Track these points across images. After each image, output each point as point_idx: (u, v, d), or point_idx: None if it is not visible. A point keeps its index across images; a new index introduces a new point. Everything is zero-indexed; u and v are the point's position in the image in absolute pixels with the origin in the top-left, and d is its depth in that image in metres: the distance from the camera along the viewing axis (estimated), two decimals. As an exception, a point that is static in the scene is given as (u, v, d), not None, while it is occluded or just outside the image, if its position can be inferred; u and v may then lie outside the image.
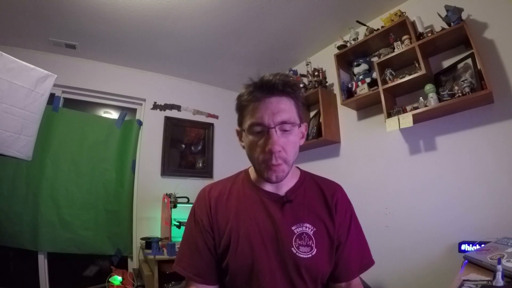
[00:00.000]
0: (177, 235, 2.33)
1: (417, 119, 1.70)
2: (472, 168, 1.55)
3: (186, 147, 3.11)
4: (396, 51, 1.80)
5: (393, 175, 1.92)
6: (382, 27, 1.94)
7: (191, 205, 0.80)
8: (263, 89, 0.67)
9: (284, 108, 0.66)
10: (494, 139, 1.48)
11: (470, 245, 1.35)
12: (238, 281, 0.67)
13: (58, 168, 2.33)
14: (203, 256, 0.70)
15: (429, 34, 1.66)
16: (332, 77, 2.40)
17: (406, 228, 1.78)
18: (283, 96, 0.67)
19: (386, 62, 1.88)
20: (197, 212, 0.75)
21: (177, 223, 2.42)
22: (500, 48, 1.49)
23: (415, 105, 1.76)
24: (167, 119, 3.02)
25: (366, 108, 2.15)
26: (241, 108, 0.72)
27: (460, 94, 1.50)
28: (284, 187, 0.75)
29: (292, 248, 0.66)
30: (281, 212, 0.71)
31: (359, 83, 2.05)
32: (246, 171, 0.81)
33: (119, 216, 2.51)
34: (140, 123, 2.84)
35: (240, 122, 0.74)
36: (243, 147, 0.73)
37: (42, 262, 2.23)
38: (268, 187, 0.74)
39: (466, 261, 1.00)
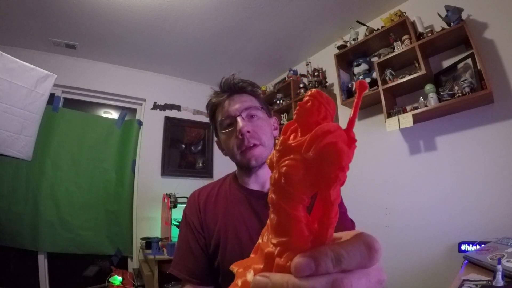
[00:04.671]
0: (177, 235, 2.33)
1: (417, 119, 1.70)
2: (472, 168, 1.55)
3: (186, 147, 3.11)
4: (396, 51, 1.80)
5: (393, 175, 1.92)
6: (382, 27, 1.94)
7: None
8: (225, 89, 0.76)
9: (245, 100, 0.74)
10: (494, 139, 1.48)
11: (470, 245, 1.35)
12: (231, 280, 0.67)
13: (58, 168, 2.33)
14: (197, 257, 0.72)
15: (429, 34, 1.66)
16: (332, 77, 2.40)
17: (406, 228, 1.78)
18: (243, 93, 0.76)
19: (386, 62, 1.88)
20: (188, 215, 0.77)
21: (177, 223, 2.42)
22: (500, 48, 1.50)
23: (415, 105, 1.76)
24: (167, 119, 3.02)
25: (366, 108, 2.15)
26: (212, 114, 0.79)
27: (460, 94, 1.50)
28: (268, 184, 0.75)
29: None
30: (266, 208, 0.71)
31: (359, 83, 2.04)
32: (233, 173, 0.83)
33: (119, 216, 2.51)
34: (140, 123, 2.84)
35: (216, 130, 0.79)
36: (225, 154, 0.78)
37: (42, 262, 2.23)
38: (253, 186, 0.76)
39: (466, 261, 1.00)
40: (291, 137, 0.20)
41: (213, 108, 0.78)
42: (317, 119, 0.19)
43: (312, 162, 0.17)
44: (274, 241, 0.19)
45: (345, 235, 0.19)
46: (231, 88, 0.75)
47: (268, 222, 0.21)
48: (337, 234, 0.20)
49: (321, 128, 0.17)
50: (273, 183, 0.19)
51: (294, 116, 0.20)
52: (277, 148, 0.19)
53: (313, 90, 0.20)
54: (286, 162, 0.18)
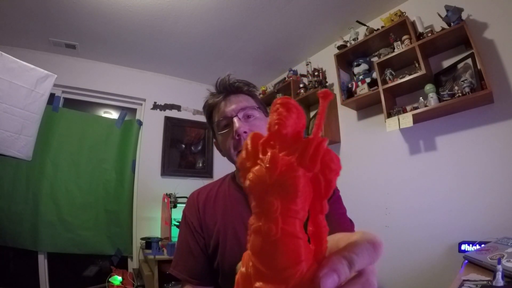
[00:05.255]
0: (177, 235, 2.33)
1: (417, 119, 1.70)
2: (472, 168, 1.55)
3: (186, 147, 3.10)
4: (396, 51, 1.80)
5: (393, 175, 1.92)
6: (382, 27, 1.94)
7: None
8: (221, 89, 0.75)
9: (242, 100, 0.73)
10: (494, 139, 1.48)
11: (470, 245, 1.35)
12: (231, 280, 0.67)
13: (58, 168, 2.33)
14: (197, 258, 0.72)
15: (429, 34, 1.66)
16: (332, 77, 2.40)
17: (406, 228, 1.78)
18: (239, 93, 0.75)
19: (386, 62, 1.88)
20: (188, 215, 0.77)
21: (177, 223, 2.42)
22: (500, 48, 1.49)
23: (415, 105, 1.76)
24: (167, 119, 3.02)
25: (366, 108, 2.15)
26: (209, 115, 0.79)
27: (460, 94, 1.50)
28: None
29: None
30: None
31: (359, 83, 2.05)
32: (232, 173, 0.83)
33: (119, 216, 2.51)
34: (140, 123, 2.84)
35: (213, 131, 0.79)
36: (223, 155, 0.77)
37: (42, 262, 2.23)
38: None
39: (466, 261, 1.00)
40: (269, 152, 0.18)
41: (209, 109, 0.78)
42: (298, 129, 0.18)
43: (317, 174, 0.17)
44: (281, 274, 0.16)
45: (340, 237, 0.19)
46: (227, 89, 0.75)
47: (255, 258, 0.17)
48: (333, 236, 0.20)
49: (317, 138, 0.17)
50: (273, 209, 0.16)
51: (276, 127, 0.18)
52: (267, 166, 0.17)
53: (283, 97, 0.19)
54: (291, 180, 0.17)
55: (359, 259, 0.16)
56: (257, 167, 0.18)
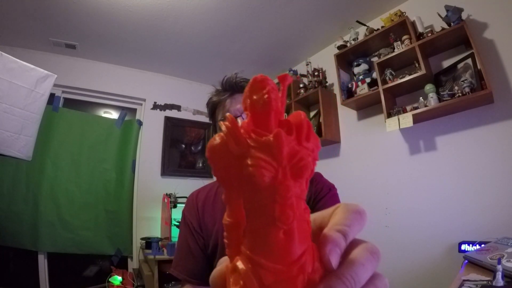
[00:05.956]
0: (177, 235, 2.33)
1: (417, 119, 1.70)
2: (472, 168, 1.55)
3: (186, 147, 3.11)
4: (396, 51, 1.80)
5: (393, 175, 1.92)
6: (382, 27, 1.94)
7: None
8: (226, 87, 0.75)
9: None
10: (494, 139, 1.48)
11: (470, 245, 1.35)
12: None
13: (58, 168, 2.33)
14: (196, 257, 0.72)
15: (429, 34, 1.66)
16: (332, 77, 2.40)
17: (406, 228, 1.78)
18: None
19: (386, 62, 1.88)
20: (187, 215, 0.78)
21: (177, 223, 2.42)
22: (500, 48, 1.50)
23: (415, 105, 1.76)
24: (167, 119, 3.02)
25: (366, 108, 2.15)
26: (212, 112, 0.78)
27: (460, 94, 1.50)
28: None
29: None
30: None
31: (359, 83, 2.05)
32: None
33: (119, 216, 2.51)
34: (140, 123, 2.84)
35: (215, 129, 0.79)
36: None
37: (42, 262, 2.23)
38: None
39: (466, 261, 1.00)
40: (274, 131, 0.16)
41: (213, 107, 0.78)
42: (280, 109, 0.17)
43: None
44: (296, 264, 0.15)
45: (316, 217, 0.19)
46: (233, 87, 0.75)
47: (260, 257, 0.15)
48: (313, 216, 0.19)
49: (305, 118, 0.17)
50: (289, 194, 0.15)
51: (266, 106, 0.16)
52: (277, 146, 0.15)
53: (261, 75, 0.17)
54: (304, 160, 0.15)
55: (351, 230, 0.17)
56: (255, 151, 0.15)
